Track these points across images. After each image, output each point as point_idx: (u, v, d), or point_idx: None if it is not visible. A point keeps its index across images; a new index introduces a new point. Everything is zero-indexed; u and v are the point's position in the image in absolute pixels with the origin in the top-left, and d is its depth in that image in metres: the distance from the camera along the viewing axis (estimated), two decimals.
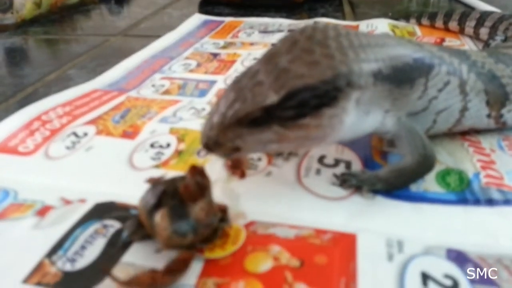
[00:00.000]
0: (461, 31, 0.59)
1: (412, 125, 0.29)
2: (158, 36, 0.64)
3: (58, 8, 0.82)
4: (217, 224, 0.24)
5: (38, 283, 0.22)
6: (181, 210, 0.22)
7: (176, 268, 0.21)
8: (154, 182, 0.24)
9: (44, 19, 0.79)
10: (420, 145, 0.28)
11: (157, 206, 0.22)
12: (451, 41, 0.57)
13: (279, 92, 0.23)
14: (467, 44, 0.56)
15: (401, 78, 0.27)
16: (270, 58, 0.25)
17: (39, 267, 0.23)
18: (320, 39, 0.25)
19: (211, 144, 0.25)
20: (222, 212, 0.25)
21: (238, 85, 0.25)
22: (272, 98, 0.23)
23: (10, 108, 0.45)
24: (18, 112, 0.40)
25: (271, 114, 0.24)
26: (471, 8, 0.66)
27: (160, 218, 0.22)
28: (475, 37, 0.57)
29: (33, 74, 0.54)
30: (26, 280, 0.22)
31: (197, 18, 0.73)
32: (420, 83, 0.29)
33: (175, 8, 0.86)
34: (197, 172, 0.23)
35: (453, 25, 0.59)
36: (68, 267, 0.23)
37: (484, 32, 0.54)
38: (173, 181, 0.23)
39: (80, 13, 0.84)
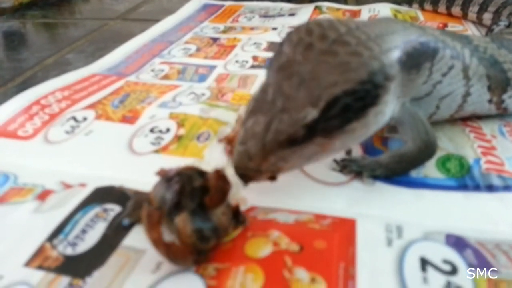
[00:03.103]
0: (464, 17, 0.58)
1: (415, 111, 0.29)
2: (157, 20, 0.63)
3: None
4: (234, 227, 0.23)
5: (40, 267, 0.22)
6: (203, 215, 0.21)
7: (204, 258, 0.22)
8: (165, 175, 0.23)
9: (42, 2, 0.78)
10: (423, 131, 0.28)
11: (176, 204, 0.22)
12: (454, 27, 0.57)
13: (317, 105, 0.22)
14: (470, 30, 0.55)
15: (411, 63, 0.27)
16: (286, 68, 0.23)
17: (40, 250, 0.23)
18: (335, 38, 0.23)
19: (253, 175, 0.23)
20: (235, 212, 0.24)
21: (263, 104, 0.23)
22: (312, 113, 0.22)
23: (8, 92, 0.44)
24: (17, 96, 0.39)
25: (313, 129, 0.22)
26: None
27: (182, 224, 0.21)
28: (478, 22, 0.56)
29: (31, 58, 0.54)
30: (27, 264, 0.22)
31: (197, 2, 0.72)
32: (425, 67, 0.28)
33: None
34: (220, 177, 0.22)
35: (456, 10, 0.59)
36: (69, 251, 0.23)
37: (487, 17, 0.54)
38: (190, 178, 0.22)
39: None
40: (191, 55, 0.51)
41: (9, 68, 0.51)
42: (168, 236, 0.21)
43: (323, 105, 0.22)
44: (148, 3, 0.78)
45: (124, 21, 0.68)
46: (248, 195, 0.27)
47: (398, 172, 0.28)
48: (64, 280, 0.21)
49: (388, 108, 0.25)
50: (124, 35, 0.58)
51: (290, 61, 0.23)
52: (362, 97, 0.22)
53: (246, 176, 0.23)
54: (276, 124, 0.22)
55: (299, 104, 0.22)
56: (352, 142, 0.25)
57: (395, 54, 0.24)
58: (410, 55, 0.26)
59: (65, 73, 0.46)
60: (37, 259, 0.22)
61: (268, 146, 0.22)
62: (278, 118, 0.22)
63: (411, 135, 0.28)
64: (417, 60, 0.27)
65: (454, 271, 0.21)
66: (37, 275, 0.22)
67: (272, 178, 0.24)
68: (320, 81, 0.22)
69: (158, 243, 0.21)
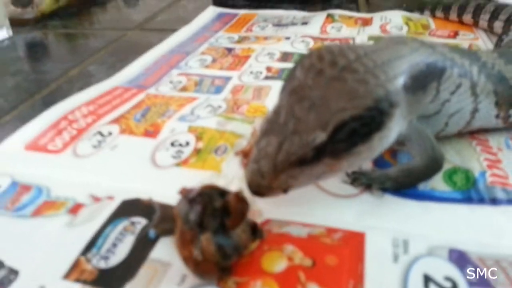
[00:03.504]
0: (475, 24, 0.59)
1: (422, 128, 0.30)
2: (174, 30, 0.65)
3: (76, 0, 0.84)
4: (252, 240, 0.25)
5: (77, 280, 0.24)
6: (225, 234, 0.23)
7: (228, 273, 0.24)
8: (187, 194, 0.24)
9: (63, 12, 0.80)
10: (429, 147, 0.29)
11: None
12: (465, 35, 0.57)
13: (326, 129, 0.23)
14: (481, 38, 0.56)
15: (416, 85, 0.28)
16: (298, 92, 0.25)
17: (76, 264, 0.25)
18: (344, 64, 0.25)
19: (264, 192, 0.24)
20: (253, 228, 0.25)
21: (275, 126, 0.25)
22: (321, 136, 0.23)
23: (36, 104, 0.47)
24: (45, 111, 0.42)
25: (321, 150, 0.24)
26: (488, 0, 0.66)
27: (206, 243, 0.22)
28: (490, 30, 0.56)
29: (55, 69, 0.56)
30: (66, 276, 0.24)
31: (212, 11, 0.74)
32: (432, 87, 0.29)
33: (189, 0, 0.87)
34: (239, 199, 0.24)
35: (467, 18, 0.59)
36: (102, 264, 0.25)
37: (498, 25, 0.54)
38: (211, 198, 0.24)
39: (97, 6, 0.86)
40: (207, 66, 0.53)
41: (35, 80, 0.54)
42: (196, 253, 0.22)
43: (331, 129, 0.23)
44: (164, 12, 0.80)
45: (142, 31, 0.71)
46: (263, 208, 0.28)
47: (406, 185, 0.30)
48: None
49: (393, 132, 0.26)
50: (143, 45, 0.60)
51: (301, 85, 0.25)
52: (368, 123, 0.24)
53: (258, 193, 0.24)
54: (287, 145, 0.23)
55: (309, 127, 0.24)
56: (358, 163, 0.26)
57: (400, 81, 0.26)
58: (415, 78, 0.28)
59: (88, 85, 0.48)
60: (75, 273, 0.24)
61: (279, 165, 0.23)
62: (289, 140, 0.24)
63: (418, 151, 0.30)
64: (423, 82, 0.29)
65: None
66: None
67: (284, 190, 0.25)
68: (329, 106, 0.24)
69: (188, 260, 0.22)
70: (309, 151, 0.23)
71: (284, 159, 0.23)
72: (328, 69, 0.25)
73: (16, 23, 0.72)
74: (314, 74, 0.25)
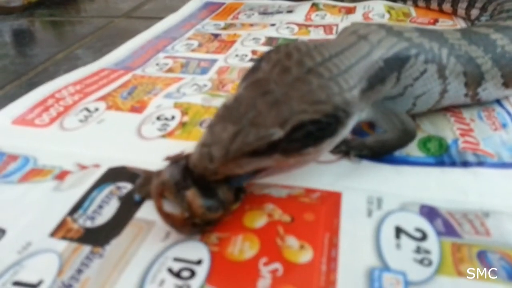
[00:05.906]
0: (454, 12, 0.61)
1: (387, 107, 0.31)
2: (161, 18, 0.66)
3: None
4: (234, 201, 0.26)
5: (63, 237, 0.25)
6: (209, 190, 0.24)
7: (205, 227, 0.25)
8: (173, 159, 0.25)
9: (49, 1, 0.80)
10: (399, 123, 0.31)
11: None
12: (444, 22, 0.59)
13: (284, 127, 0.24)
14: (460, 25, 0.58)
15: (374, 82, 0.29)
16: (261, 84, 0.25)
17: (62, 224, 0.26)
18: (311, 67, 0.26)
19: (209, 175, 0.24)
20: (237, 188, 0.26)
21: (233, 114, 0.24)
22: (279, 133, 0.23)
23: (22, 85, 0.48)
24: (32, 91, 0.42)
25: (275, 146, 0.24)
26: None
27: (192, 196, 0.24)
28: (467, 18, 0.59)
29: (42, 53, 0.57)
30: (52, 234, 0.25)
31: (199, 0, 0.74)
32: (392, 77, 0.30)
33: None
34: None
35: (447, 6, 0.61)
36: (88, 223, 0.26)
37: (475, 13, 0.56)
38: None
39: None
40: (193, 50, 0.54)
41: (22, 63, 0.54)
42: (168, 207, 0.24)
43: (289, 128, 0.24)
44: (152, 2, 0.81)
45: (129, 19, 0.71)
46: None
47: (382, 154, 0.31)
48: (86, 248, 0.24)
49: (340, 138, 0.27)
50: (130, 32, 0.61)
51: (266, 78, 0.25)
52: (324, 128, 0.25)
53: (205, 176, 0.24)
54: (243, 135, 0.23)
55: (269, 122, 0.24)
56: (303, 163, 0.27)
57: (357, 90, 0.27)
58: (373, 76, 0.29)
59: (75, 67, 0.49)
60: (61, 231, 0.25)
61: (232, 153, 0.23)
62: (246, 130, 0.23)
63: (388, 128, 0.31)
64: (380, 77, 0.29)
65: (424, 237, 0.24)
66: (61, 245, 0.24)
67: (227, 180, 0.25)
68: (291, 106, 0.24)
69: (160, 211, 0.24)
70: (263, 145, 0.23)
71: (238, 148, 0.23)
72: (295, 68, 0.25)
73: (2, 11, 0.72)
74: (280, 70, 0.25)
